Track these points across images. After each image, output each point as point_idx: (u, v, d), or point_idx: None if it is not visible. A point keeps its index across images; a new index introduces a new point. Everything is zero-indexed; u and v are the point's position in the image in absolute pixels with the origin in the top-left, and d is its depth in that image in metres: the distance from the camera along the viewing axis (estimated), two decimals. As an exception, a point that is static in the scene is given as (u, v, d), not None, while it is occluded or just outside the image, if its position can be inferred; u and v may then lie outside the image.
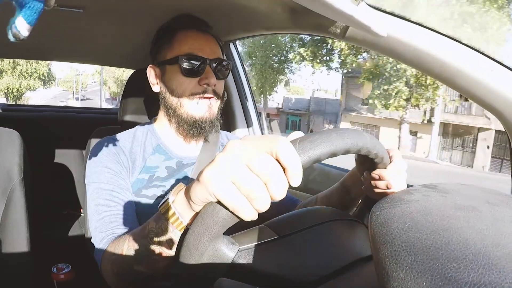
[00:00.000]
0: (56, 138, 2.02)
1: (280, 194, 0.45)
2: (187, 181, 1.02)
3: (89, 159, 0.97)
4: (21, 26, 0.40)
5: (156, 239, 0.65)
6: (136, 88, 1.26)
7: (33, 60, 19.79)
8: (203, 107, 0.98)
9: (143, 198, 0.96)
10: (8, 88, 21.75)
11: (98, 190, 0.92)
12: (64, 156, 2.04)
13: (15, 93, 22.36)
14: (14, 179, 1.14)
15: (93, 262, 1.15)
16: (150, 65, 1.06)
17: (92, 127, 1.25)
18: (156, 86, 1.06)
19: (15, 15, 0.40)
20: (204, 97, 0.98)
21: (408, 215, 0.41)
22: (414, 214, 0.41)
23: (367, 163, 0.73)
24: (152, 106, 1.26)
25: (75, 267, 1.25)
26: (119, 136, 1.03)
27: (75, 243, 1.54)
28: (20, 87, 22.19)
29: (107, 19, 1.41)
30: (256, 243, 0.56)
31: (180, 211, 0.59)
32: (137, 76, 1.28)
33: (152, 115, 1.20)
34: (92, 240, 0.89)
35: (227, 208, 0.46)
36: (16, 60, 19.98)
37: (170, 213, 0.60)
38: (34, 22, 0.40)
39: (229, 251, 0.52)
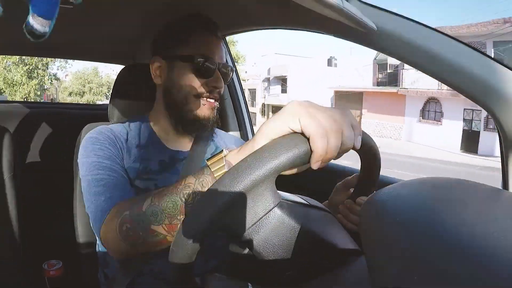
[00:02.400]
0: (46, 134, 2.00)
1: (350, 141, 0.51)
2: (179, 175, 1.02)
3: (85, 141, 0.95)
4: (34, 21, 0.35)
5: (192, 196, 0.63)
6: (126, 84, 1.24)
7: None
8: (207, 109, 1.01)
9: (135, 191, 0.95)
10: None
11: (96, 164, 0.89)
12: (55, 152, 2.01)
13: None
14: (4, 176, 1.13)
15: (84, 258, 1.14)
16: (156, 56, 1.06)
17: (83, 123, 1.23)
18: (158, 78, 1.06)
19: (29, 12, 0.35)
20: (209, 98, 1.01)
21: (399, 210, 0.41)
22: (405, 208, 0.41)
23: (357, 188, 0.81)
24: (142, 102, 1.25)
25: (66, 263, 1.24)
26: (114, 126, 1.03)
27: (66, 240, 1.53)
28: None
29: (97, 15, 1.39)
30: (296, 201, 0.56)
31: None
32: (127, 72, 1.26)
33: (142, 111, 1.18)
34: (90, 207, 0.84)
35: (305, 141, 0.48)
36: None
37: (220, 165, 0.60)
38: (50, 14, 0.35)
39: (274, 197, 0.51)
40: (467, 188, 0.49)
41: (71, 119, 2.05)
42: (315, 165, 0.49)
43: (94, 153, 0.91)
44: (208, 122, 1.01)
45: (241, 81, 1.84)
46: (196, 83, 0.99)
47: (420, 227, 0.36)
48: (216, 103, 1.03)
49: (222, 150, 0.61)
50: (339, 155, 0.52)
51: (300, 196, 0.62)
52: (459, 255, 0.31)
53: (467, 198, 0.45)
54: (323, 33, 0.97)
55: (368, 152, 0.64)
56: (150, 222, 0.67)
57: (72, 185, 1.16)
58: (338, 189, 0.87)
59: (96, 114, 2.16)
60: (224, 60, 1.06)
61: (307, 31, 1.07)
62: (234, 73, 1.15)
